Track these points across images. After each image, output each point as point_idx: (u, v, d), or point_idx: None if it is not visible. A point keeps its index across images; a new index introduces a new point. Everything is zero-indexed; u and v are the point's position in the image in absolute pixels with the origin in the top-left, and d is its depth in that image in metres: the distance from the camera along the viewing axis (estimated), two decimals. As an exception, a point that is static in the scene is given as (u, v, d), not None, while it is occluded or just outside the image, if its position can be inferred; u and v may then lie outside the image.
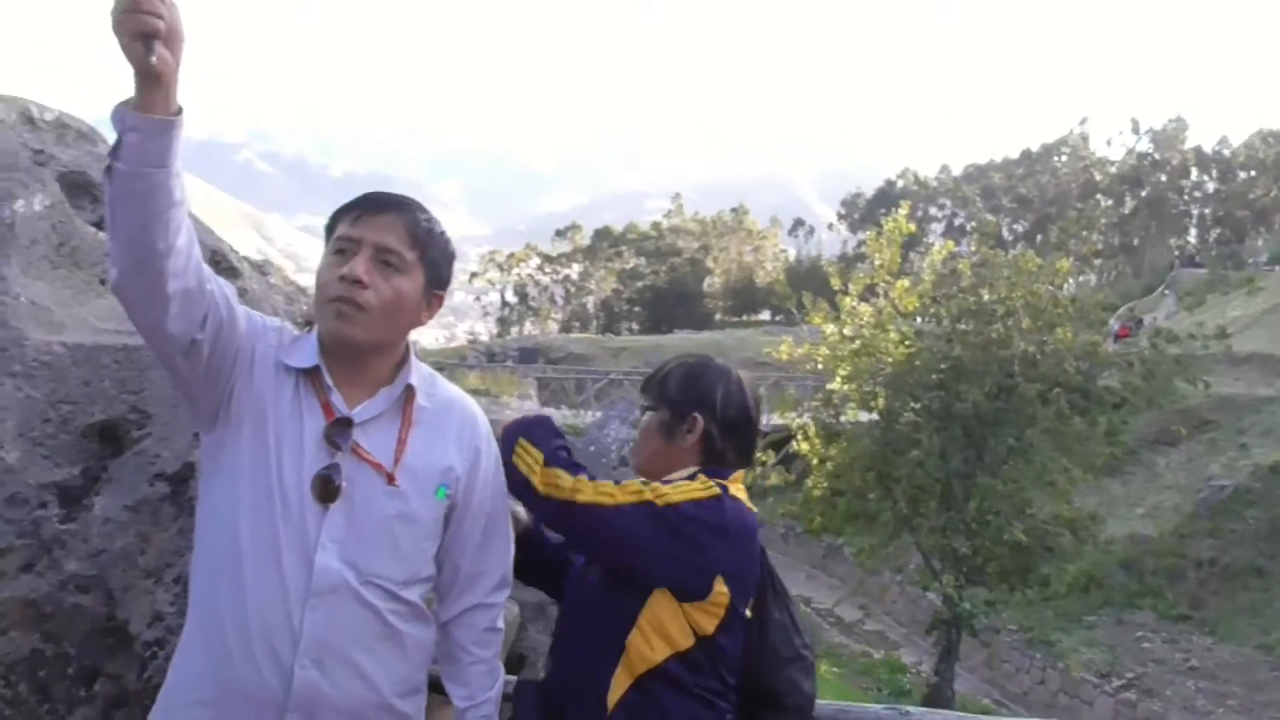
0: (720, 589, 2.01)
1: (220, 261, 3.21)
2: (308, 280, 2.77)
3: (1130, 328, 31.68)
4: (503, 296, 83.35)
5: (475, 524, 2.00)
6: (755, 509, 2.15)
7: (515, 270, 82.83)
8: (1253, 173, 74.73)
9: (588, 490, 1.98)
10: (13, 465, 2.20)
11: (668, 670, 2.00)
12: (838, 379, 15.02)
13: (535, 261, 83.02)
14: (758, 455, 17.99)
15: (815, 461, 15.34)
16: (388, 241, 1.82)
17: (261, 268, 3.96)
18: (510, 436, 2.08)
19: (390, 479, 1.83)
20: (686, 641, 2.00)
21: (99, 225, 2.90)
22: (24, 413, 2.26)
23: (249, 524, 1.75)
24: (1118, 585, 17.56)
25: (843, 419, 15.22)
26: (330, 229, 1.89)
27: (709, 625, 2.01)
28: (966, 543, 13.47)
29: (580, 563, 2.22)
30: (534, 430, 2.08)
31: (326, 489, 1.77)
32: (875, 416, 14.91)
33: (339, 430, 1.80)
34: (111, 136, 1.55)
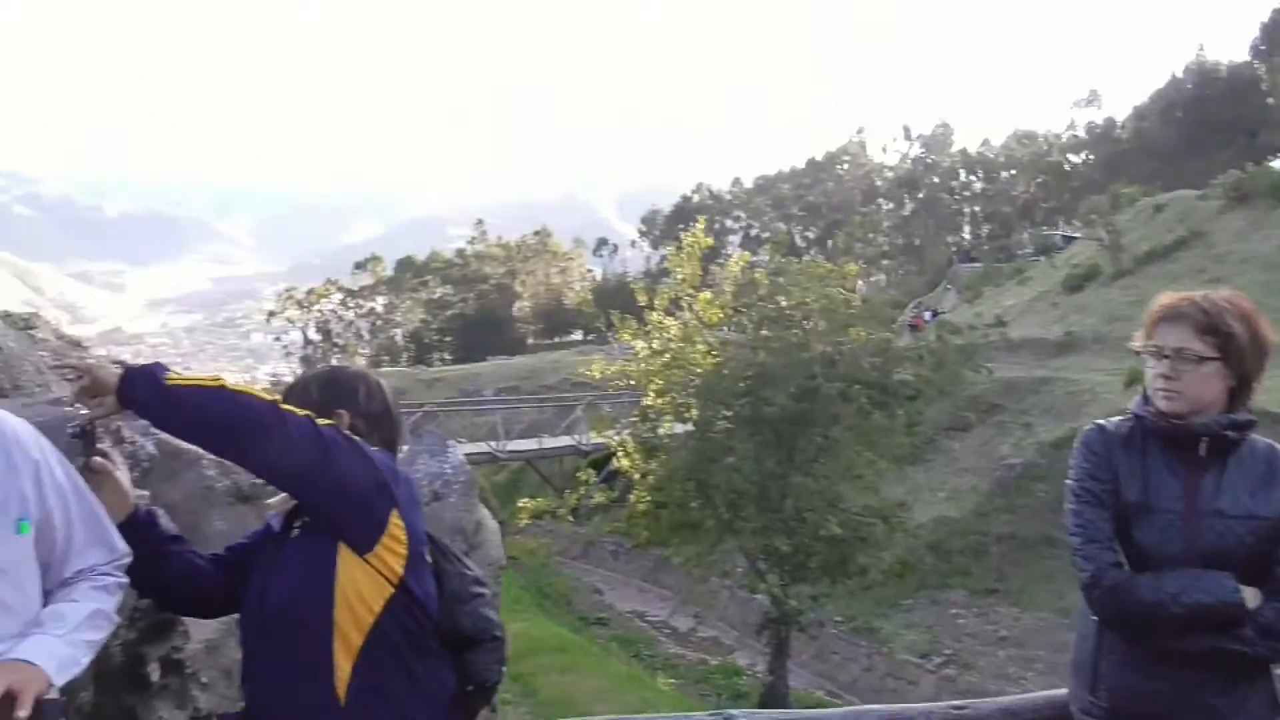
0: (396, 522, 2.09)
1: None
2: (83, 331, 2.54)
3: (925, 319, 33.63)
4: (304, 335, 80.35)
5: (68, 532, 1.86)
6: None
7: (316, 307, 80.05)
8: (1013, 171, 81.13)
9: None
10: None
11: (382, 630, 2.05)
12: (651, 393, 15.22)
13: (337, 296, 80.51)
14: (580, 475, 18.14)
15: (637, 477, 15.50)
16: None
17: (27, 321, 3.66)
18: (140, 377, 1.98)
19: None
20: (385, 592, 2.06)
21: None
22: None
23: None
24: (929, 567, 18.54)
25: (660, 432, 15.43)
26: None
27: (398, 565, 2.08)
28: (787, 541, 13.90)
29: (255, 580, 2.19)
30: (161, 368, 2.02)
31: None
32: (690, 427, 15.20)
33: None
34: None
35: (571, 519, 18.98)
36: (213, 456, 3.99)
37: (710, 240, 16.82)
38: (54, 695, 1.69)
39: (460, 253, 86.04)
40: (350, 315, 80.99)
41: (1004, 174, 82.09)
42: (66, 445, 2.00)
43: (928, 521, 19.39)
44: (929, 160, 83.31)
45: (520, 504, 18.08)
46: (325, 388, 2.31)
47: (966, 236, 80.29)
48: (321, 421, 2.06)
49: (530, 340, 75.63)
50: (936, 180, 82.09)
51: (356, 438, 2.13)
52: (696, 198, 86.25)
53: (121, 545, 1.95)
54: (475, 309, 77.67)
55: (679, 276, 15.68)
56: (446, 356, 73.07)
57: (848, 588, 15.69)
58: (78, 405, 2.15)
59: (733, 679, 15.62)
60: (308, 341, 79.72)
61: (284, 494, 2.22)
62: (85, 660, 1.80)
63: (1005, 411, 22.83)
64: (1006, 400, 23.03)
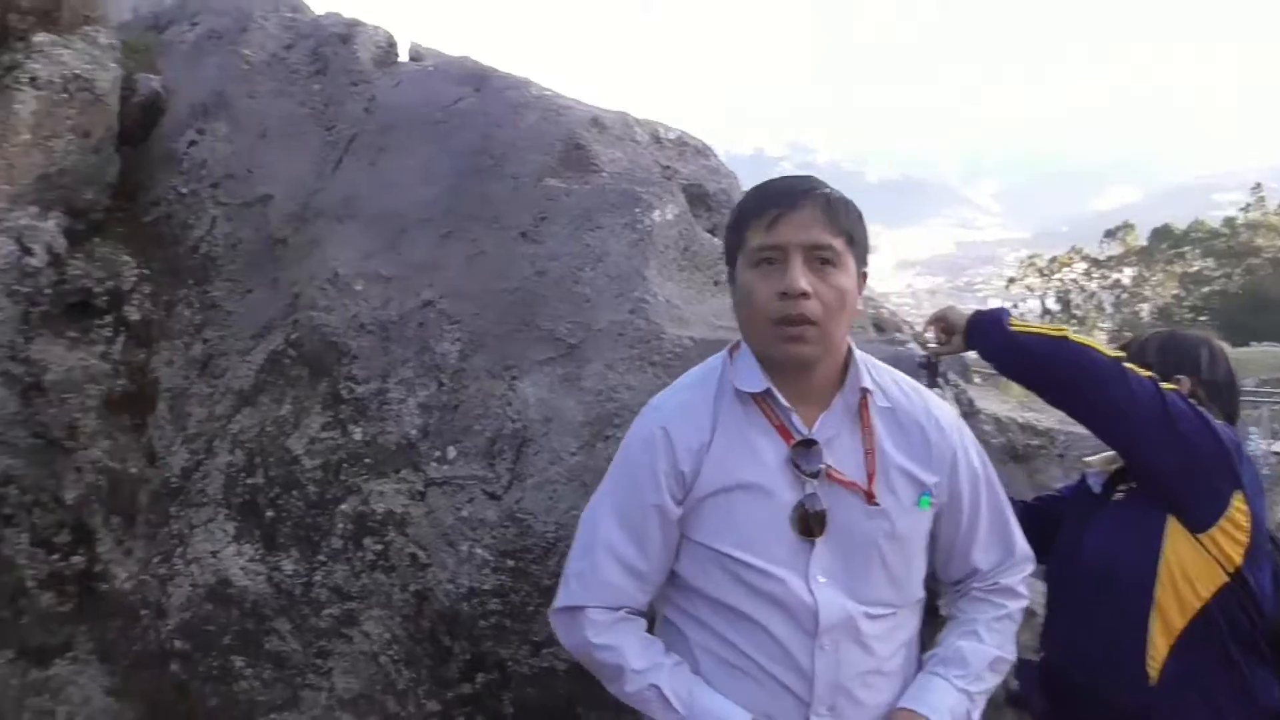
0: (1239, 505, 1.91)
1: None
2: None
3: None
4: (1043, 304, 78.76)
5: (972, 521, 1.81)
6: None
7: (1057, 275, 77.89)
8: None
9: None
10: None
11: (1209, 619, 1.91)
12: None
13: (1081, 266, 77.34)
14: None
15: None
16: (815, 238, 1.64)
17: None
18: (988, 321, 2.10)
19: (869, 498, 1.69)
20: (1218, 579, 1.91)
21: (712, 232, 3.18)
22: (663, 399, 2.53)
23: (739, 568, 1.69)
24: None
25: None
26: (736, 238, 1.72)
27: (1235, 553, 1.90)
28: None
29: (1066, 537, 2.13)
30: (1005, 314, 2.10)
31: (808, 522, 1.66)
32: None
33: (804, 454, 1.69)
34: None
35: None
36: (990, 410, 4.11)
37: None
38: None
39: (1229, 221, 76.47)
40: (1093, 286, 77.30)
41: None
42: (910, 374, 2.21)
43: None
44: None
45: (1283, 513, 15.70)
46: (1165, 350, 2.21)
47: None
48: (1164, 385, 1.97)
49: (1310, 327, 64.65)
50: None
51: (1199, 406, 2.01)
52: None
53: (1021, 547, 1.89)
54: (1240, 286, 68.58)
55: None
56: (1199, 337, 65.88)
57: None
58: (924, 341, 2.38)
59: None
60: (1045, 311, 77.93)
61: (1106, 455, 2.18)
62: (975, 714, 1.77)
63: None
64: None
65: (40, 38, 3.47)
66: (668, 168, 3.19)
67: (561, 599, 1.80)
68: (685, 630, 1.75)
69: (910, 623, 1.77)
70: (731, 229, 1.76)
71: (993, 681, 1.79)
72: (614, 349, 2.72)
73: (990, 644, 1.79)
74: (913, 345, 2.71)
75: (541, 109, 3.27)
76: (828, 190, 1.70)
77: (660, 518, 1.72)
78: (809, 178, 1.75)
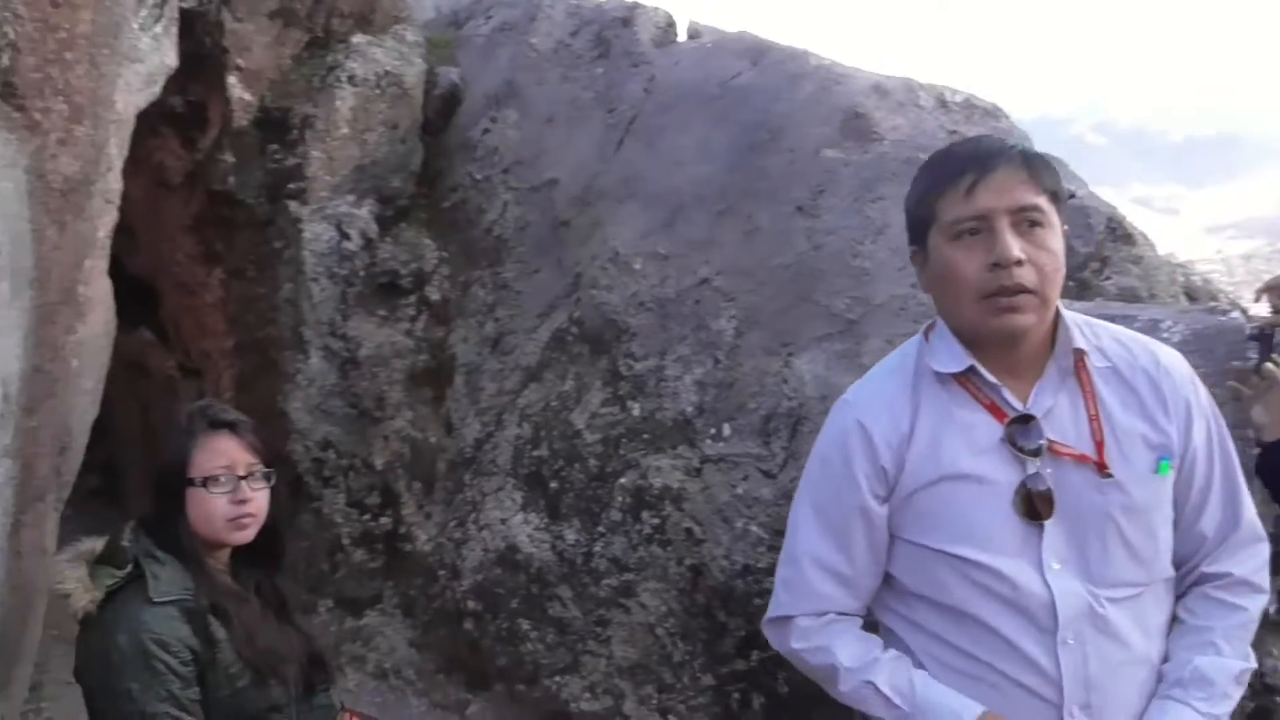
0: None
1: (1116, 229, 3.12)
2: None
3: None
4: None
5: (1206, 484, 1.57)
6: None
7: None
8: None
9: None
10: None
11: None
12: None
13: None
14: None
15: None
16: (1020, 199, 1.47)
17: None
18: None
19: (1101, 468, 1.49)
20: None
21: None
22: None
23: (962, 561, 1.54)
24: None
25: None
26: (926, 211, 1.55)
27: None
28: None
29: None
30: None
31: (1034, 503, 1.50)
32: None
33: (1021, 430, 1.52)
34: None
35: None
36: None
37: None
38: None
39: None
40: None
41: None
42: (1232, 348, 1.96)
43: None
44: None
45: None
46: None
47: None
48: None
49: None
50: None
51: None
52: None
53: (1249, 520, 1.62)
54: None
55: None
56: None
57: None
58: (1246, 310, 2.11)
59: None
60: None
61: None
62: None
63: None
64: None
65: (357, 39, 3.78)
66: (954, 132, 3.01)
67: (771, 609, 1.72)
68: (907, 638, 1.63)
69: (1163, 604, 1.58)
70: (918, 202, 1.58)
71: (1238, 695, 1.56)
72: (895, 324, 2.61)
73: (1232, 655, 1.56)
74: (1236, 314, 2.40)
75: (819, 79, 3.19)
76: (1022, 146, 1.54)
77: (864, 520, 1.61)
78: (992, 136, 1.65)
